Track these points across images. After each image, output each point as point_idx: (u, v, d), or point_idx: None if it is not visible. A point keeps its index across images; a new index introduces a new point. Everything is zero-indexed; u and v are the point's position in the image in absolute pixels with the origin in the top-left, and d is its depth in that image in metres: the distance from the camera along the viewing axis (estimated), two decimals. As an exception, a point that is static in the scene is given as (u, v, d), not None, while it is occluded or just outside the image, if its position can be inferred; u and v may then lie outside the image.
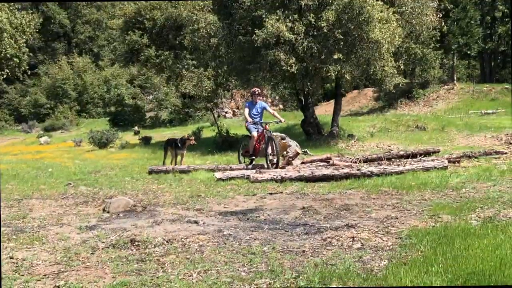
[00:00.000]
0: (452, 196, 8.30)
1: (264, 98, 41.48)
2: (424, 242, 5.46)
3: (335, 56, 17.06)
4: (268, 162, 12.64)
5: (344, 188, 9.70)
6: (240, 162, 13.66)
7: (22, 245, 6.19)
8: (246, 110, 13.38)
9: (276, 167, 12.20)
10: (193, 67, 29.35)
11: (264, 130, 12.99)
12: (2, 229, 6.98)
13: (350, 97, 44.21)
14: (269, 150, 12.66)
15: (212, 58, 22.01)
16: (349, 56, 17.92)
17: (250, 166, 12.74)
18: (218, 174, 11.41)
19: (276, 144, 12.60)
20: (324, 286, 4.44)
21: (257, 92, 13.49)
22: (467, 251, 5.03)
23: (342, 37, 16.99)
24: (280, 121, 13.42)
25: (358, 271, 4.72)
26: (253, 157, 13.23)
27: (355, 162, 12.61)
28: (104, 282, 4.79)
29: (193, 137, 14.99)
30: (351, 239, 5.87)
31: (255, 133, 13.07)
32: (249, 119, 13.10)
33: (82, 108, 57.05)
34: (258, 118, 13.31)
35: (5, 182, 12.03)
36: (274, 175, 10.85)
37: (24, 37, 26.23)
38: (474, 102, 35.10)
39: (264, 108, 13.47)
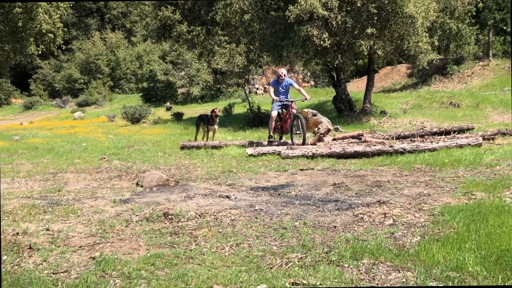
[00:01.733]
0: (486, 173, 8.18)
1: (296, 75, 41.35)
2: (457, 219, 5.40)
3: (368, 31, 16.82)
4: (293, 139, 12.64)
5: (376, 164, 9.63)
6: (270, 139, 13.64)
7: (58, 217, 6.34)
8: (271, 89, 13.21)
9: (303, 144, 12.14)
10: (225, 43, 29.27)
11: (290, 108, 12.90)
12: (38, 201, 7.16)
13: (383, 73, 43.70)
14: (296, 128, 12.61)
15: (244, 34, 21.87)
16: (383, 31, 17.64)
17: (275, 143, 12.76)
18: (249, 150, 11.43)
19: (302, 121, 12.43)
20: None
21: (282, 75, 12.99)
22: (501, 228, 4.97)
23: (376, 12, 16.71)
24: (306, 99, 13.07)
25: (390, 247, 4.71)
26: (281, 135, 13.34)
27: (387, 139, 12.49)
28: (138, 254, 4.88)
29: (219, 108, 15.08)
30: (383, 216, 5.85)
31: (274, 113, 12.97)
32: (275, 97, 12.96)
33: (115, 83, 57.79)
34: (284, 96, 13.11)
35: (41, 156, 12.29)
36: (305, 152, 10.82)
37: (59, 12, 26.39)
38: (510, 79, 34.33)
39: (290, 85, 13.23)
